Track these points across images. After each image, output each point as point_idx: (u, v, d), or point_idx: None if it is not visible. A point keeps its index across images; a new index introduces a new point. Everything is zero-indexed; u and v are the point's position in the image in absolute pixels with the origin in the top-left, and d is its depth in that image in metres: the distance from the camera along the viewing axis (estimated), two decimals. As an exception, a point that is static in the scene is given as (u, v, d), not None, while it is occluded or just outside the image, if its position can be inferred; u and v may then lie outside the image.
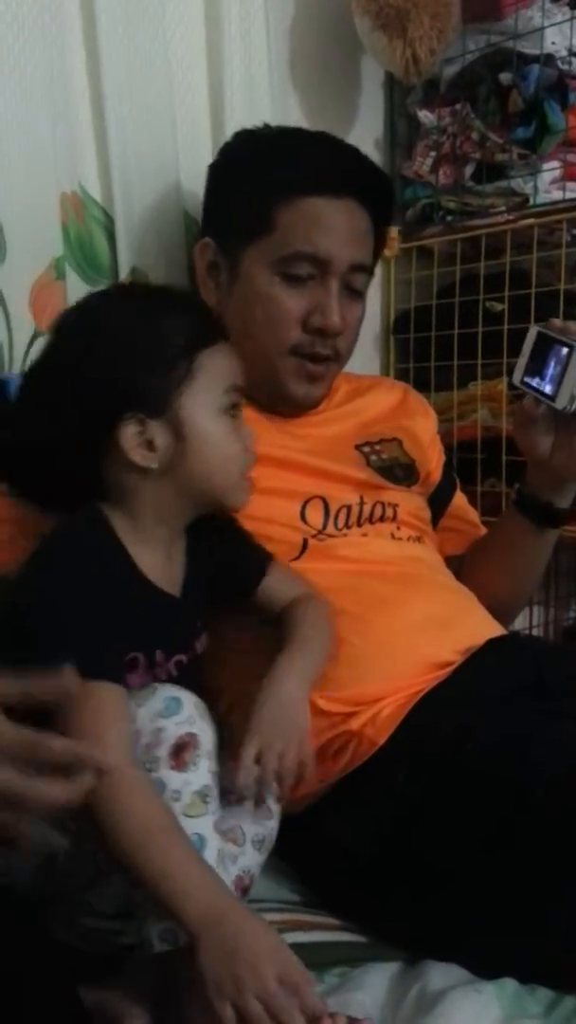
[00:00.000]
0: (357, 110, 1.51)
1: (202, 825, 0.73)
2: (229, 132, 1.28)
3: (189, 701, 0.78)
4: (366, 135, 1.51)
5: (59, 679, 0.63)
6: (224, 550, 0.94)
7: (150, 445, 0.82)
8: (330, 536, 1.05)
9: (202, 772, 0.74)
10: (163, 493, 0.84)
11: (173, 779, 0.73)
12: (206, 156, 1.31)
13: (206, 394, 0.84)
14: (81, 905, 0.79)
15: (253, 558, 0.97)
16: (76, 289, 1.18)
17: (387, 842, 0.89)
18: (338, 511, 1.08)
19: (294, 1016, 0.66)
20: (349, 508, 1.08)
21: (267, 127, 1.15)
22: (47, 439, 0.82)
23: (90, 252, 1.20)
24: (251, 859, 0.83)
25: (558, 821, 0.81)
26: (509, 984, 0.80)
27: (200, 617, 0.91)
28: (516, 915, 0.82)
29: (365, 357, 1.53)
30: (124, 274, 1.21)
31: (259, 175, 1.07)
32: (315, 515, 1.06)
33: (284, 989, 0.67)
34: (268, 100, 1.33)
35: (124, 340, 0.82)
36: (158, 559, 0.86)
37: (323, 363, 1.09)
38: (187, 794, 0.73)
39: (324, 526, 1.06)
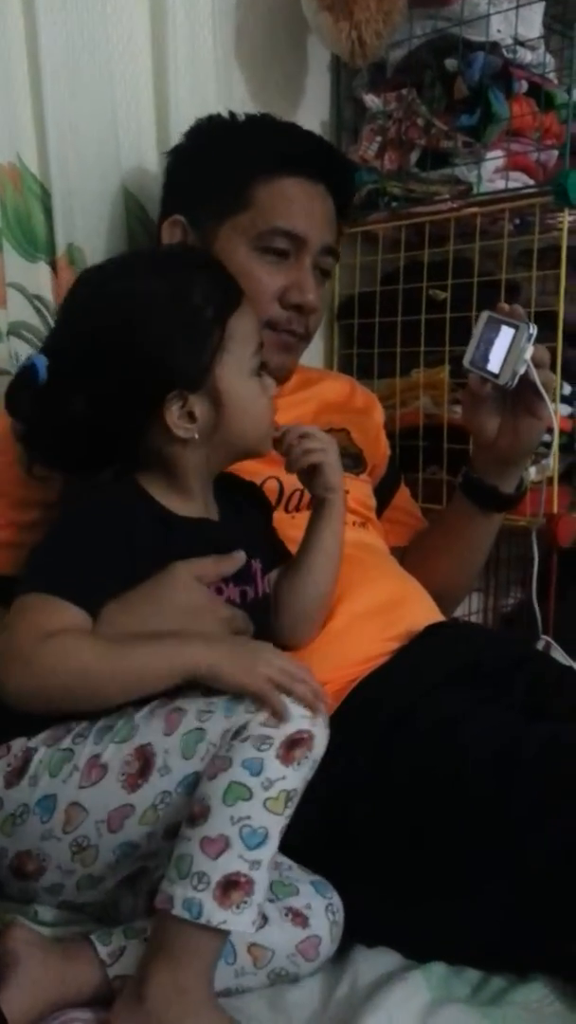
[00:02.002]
0: (303, 92, 1.50)
1: (274, 823, 0.72)
2: (173, 111, 1.28)
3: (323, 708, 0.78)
4: (312, 118, 1.49)
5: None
6: (254, 524, 0.96)
7: (191, 417, 0.84)
8: (279, 520, 1.05)
9: (301, 775, 0.73)
10: (201, 456, 0.87)
11: (273, 767, 0.72)
12: (148, 134, 1.30)
13: (239, 360, 0.86)
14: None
15: (276, 544, 0.99)
16: (13, 263, 1.16)
17: (321, 828, 0.88)
18: (291, 494, 1.09)
19: (308, 677, 0.75)
20: (302, 492, 1.09)
21: (233, 115, 1.15)
22: (87, 419, 0.84)
23: (27, 226, 1.17)
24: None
25: (486, 802, 0.82)
26: (437, 967, 0.81)
27: (254, 550, 0.91)
28: (446, 898, 0.83)
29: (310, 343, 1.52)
30: (61, 250, 1.18)
31: (236, 152, 1.09)
32: (270, 496, 1.07)
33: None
34: (213, 79, 1.31)
35: (159, 318, 0.83)
36: (192, 507, 0.88)
37: (296, 338, 1.12)
38: (277, 788, 0.71)
39: (276, 507, 1.06)
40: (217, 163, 1.10)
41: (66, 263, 1.20)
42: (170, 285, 0.85)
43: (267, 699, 0.73)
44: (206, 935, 0.70)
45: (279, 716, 0.73)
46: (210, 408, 0.85)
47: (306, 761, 0.73)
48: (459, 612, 1.68)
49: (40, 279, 1.19)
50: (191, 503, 0.88)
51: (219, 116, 1.15)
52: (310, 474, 0.94)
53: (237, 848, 0.70)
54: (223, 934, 0.71)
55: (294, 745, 0.72)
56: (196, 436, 0.85)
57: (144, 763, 0.75)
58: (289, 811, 0.73)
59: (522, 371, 1.00)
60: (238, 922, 0.70)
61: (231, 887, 0.70)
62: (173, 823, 0.75)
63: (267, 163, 1.07)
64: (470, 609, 1.75)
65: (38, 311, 1.20)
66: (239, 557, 0.87)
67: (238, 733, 0.73)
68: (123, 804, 0.75)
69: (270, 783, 0.71)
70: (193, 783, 0.74)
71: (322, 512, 0.95)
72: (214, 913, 0.69)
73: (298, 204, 1.08)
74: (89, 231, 1.21)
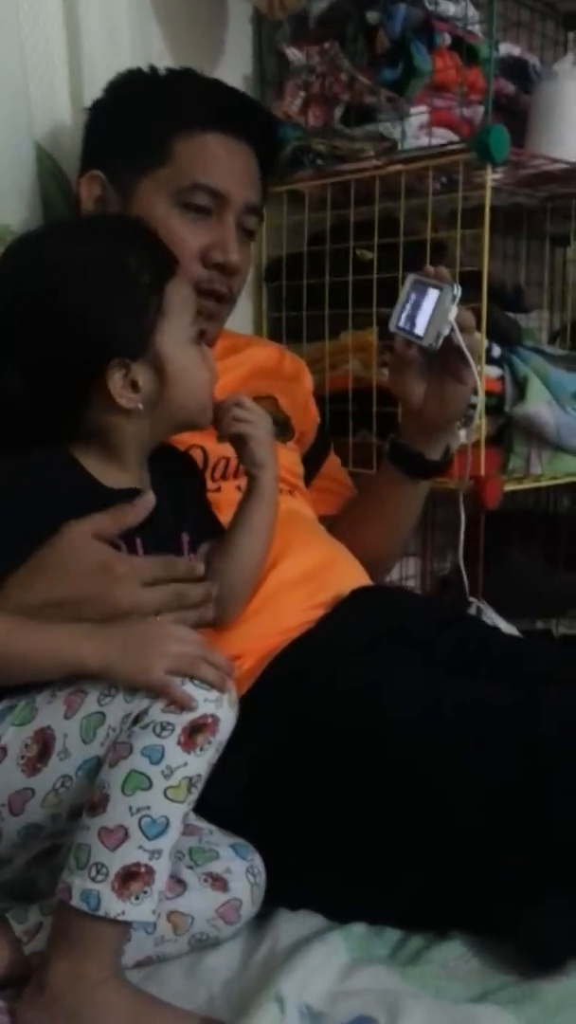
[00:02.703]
0: (224, 45, 1.45)
1: (175, 812, 0.70)
2: (86, 66, 1.23)
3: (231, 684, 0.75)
4: (234, 72, 1.45)
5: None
6: (187, 494, 0.94)
7: (134, 386, 0.82)
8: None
9: (204, 760, 0.71)
10: (142, 427, 0.85)
11: (174, 754, 0.70)
12: (61, 89, 1.25)
13: (178, 327, 0.84)
14: None
15: (209, 517, 0.96)
16: None
17: (246, 793, 0.88)
18: (216, 463, 1.07)
19: (210, 655, 0.73)
20: (228, 461, 1.07)
21: (155, 69, 1.11)
22: (25, 391, 0.81)
23: None
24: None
25: (408, 762, 0.82)
26: (357, 928, 0.81)
27: (182, 522, 0.89)
28: (367, 859, 0.83)
29: (238, 306, 1.47)
30: (-30, 210, 1.14)
31: (157, 106, 1.06)
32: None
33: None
34: (127, 32, 1.26)
35: (96, 284, 0.81)
36: (125, 479, 0.85)
37: (219, 302, 1.09)
38: (178, 776, 0.70)
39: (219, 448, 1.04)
40: (136, 116, 1.07)
41: (-24, 222, 1.15)
42: (105, 251, 0.83)
43: (167, 694, 0.71)
44: (106, 925, 0.69)
45: (183, 706, 0.71)
46: (153, 377, 0.83)
47: (209, 746, 0.72)
48: (395, 576, 1.69)
49: (-54, 238, 1.15)
50: (124, 474, 0.85)
51: (139, 70, 1.11)
52: (239, 447, 0.92)
53: (136, 839, 0.69)
54: (125, 927, 0.70)
55: (197, 730, 0.71)
56: (140, 406, 0.82)
57: (43, 746, 0.73)
58: (192, 796, 0.71)
59: (446, 332, 1.00)
60: (137, 912, 0.69)
61: (130, 878, 0.68)
62: (77, 804, 0.73)
63: (188, 117, 1.04)
64: (406, 573, 1.76)
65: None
66: (144, 503, 0.82)
67: (139, 719, 0.71)
68: (23, 788, 0.74)
69: (171, 771, 0.70)
70: (94, 767, 0.72)
71: (251, 491, 0.93)
72: (112, 904, 0.68)
73: (220, 160, 1.05)
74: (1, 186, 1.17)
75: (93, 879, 0.68)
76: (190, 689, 0.71)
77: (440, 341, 1.00)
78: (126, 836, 0.68)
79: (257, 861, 0.83)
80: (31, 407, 0.82)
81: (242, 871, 0.82)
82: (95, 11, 1.23)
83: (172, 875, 0.79)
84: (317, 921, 0.84)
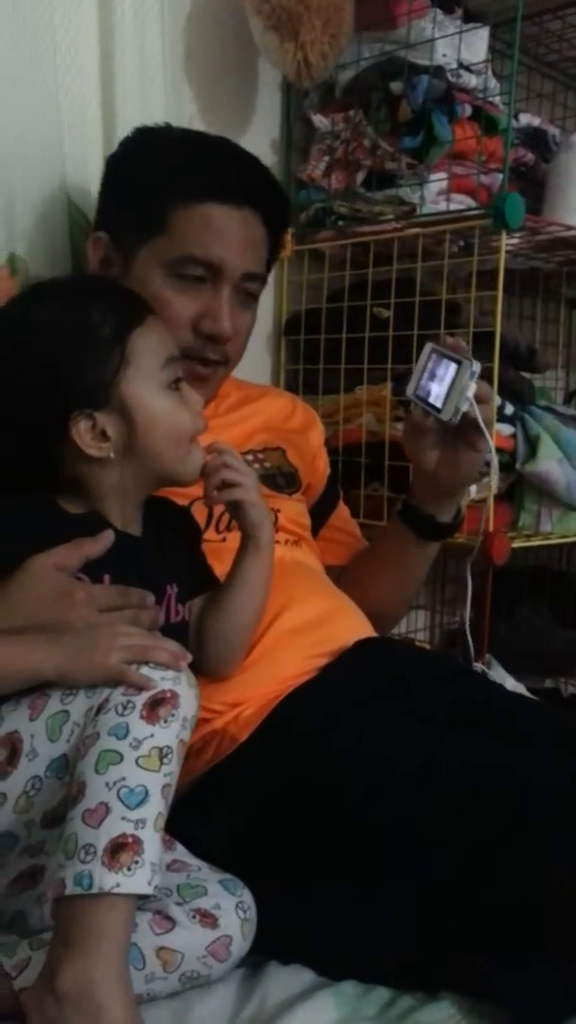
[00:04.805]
0: (254, 110, 1.51)
1: (151, 781, 0.70)
2: (120, 124, 1.27)
3: (186, 667, 0.77)
4: (263, 136, 1.50)
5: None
6: (179, 546, 0.95)
7: (103, 436, 0.84)
8: (209, 541, 1.05)
9: (171, 732, 0.72)
10: (120, 476, 0.86)
11: (139, 727, 0.71)
12: (95, 146, 1.29)
13: (145, 375, 0.86)
14: None
15: (201, 570, 0.98)
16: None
17: (240, 839, 0.89)
18: (220, 515, 1.08)
19: (160, 641, 0.75)
20: None
21: (168, 127, 1.14)
22: (1, 448, 0.85)
23: (-32, 234, 1.17)
24: None
25: (400, 818, 0.82)
26: (347, 987, 0.81)
27: (169, 575, 0.90)
28: (358, 913, 0.83)
29: (257, 357, 1.53)
30: (2, 260, 1.18)
31: (157, 175, 1.07)
32: (199, 519, 1.05)
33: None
34: (161, 93, 1.31)
35: (56, 338, 0.84)
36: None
37: (211, 367, 1.09)
38: (147, 746, 0.70)
39: (206, 528, 1.06)
40: (139, 183, 1.08)
41: (7, 273, 1.19)
42: (65, 308, 0.86)
43: (124, 679, 0.73)
44: (104, 908, 0.68)
45: (141, 687, 0.72)
46: (122, 424, 0.85)
47: (173, 719, 0.72)
48: (403, 629, 1.70)
49: (-20, 288, 1.19)
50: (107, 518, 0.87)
51: (150, 130, 1.13)
52: (232, 510, 0.94)
53: (118, 810, 0.69)
54: (124, 905, 0.69)
55: (158, 704, 0.72)
56: (111, 454, 0.84)
57: (11, 750, 0.75)
58: (168, 768, 0.71)
59: (465, 408, 1.01)
60: (131, 883, 0.68)
61: (119, 849, 0.68)
62: (49, 809, 0.74)
63: (187, 188, 1.04)
64: (416, 626, 1.76)
65: (-23, 319, 1.19)
66: (105, 536, 0.84)
67: (101, 708, 0.72)
68: None
69: (138, 743, 0.70)
70: (62, 765, 0.74)
71: (246, 547, 0.95)
72: (105, 878, 0.67)
73: (217, 231, 1.04)
74: (32, 241, 1.21)
75: (83, 861, 0.68)
76: (146, 671, 0.73)
77: (459, 417, 1.01)
78: (107, 811, 0.69)
79: (247, 896, 0.83)
80: (8, 460, 0.85)
81: (231, 907, 0.82)
82: (130, 72, 1.28)
83: (160, 911, 0.79)
84: (308, 977, 0.83)
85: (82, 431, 0.84)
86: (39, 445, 0.85)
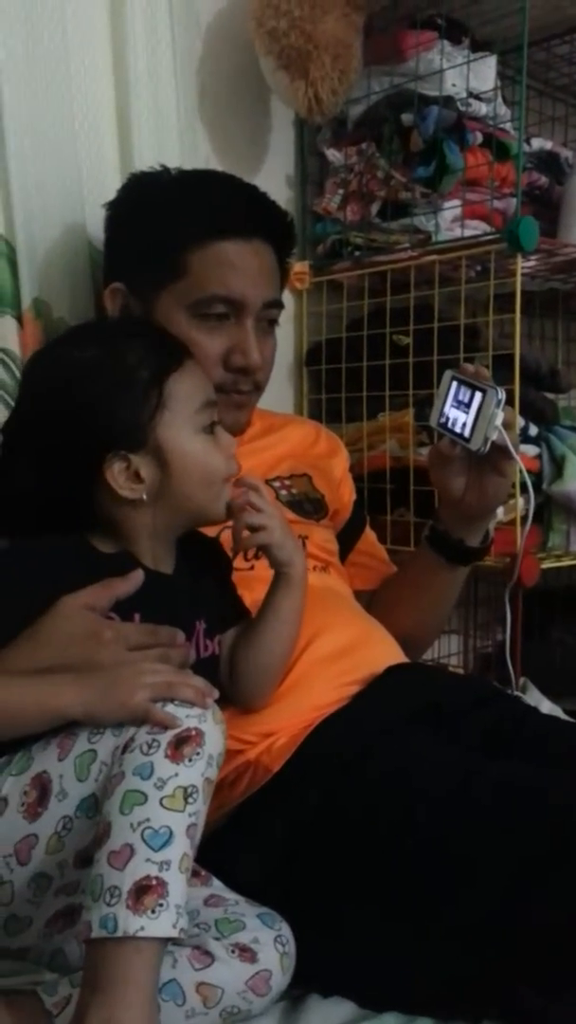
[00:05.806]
0: (268, 147, 1.54)
1: (176, 821, 0.70)
2: (137, 167, 1.30)
3: (212, 703, 0.77)
4: (278, 171, 1.53)
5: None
6: (209, 579, 0.96)
7: (137, 477, 0.86)
8: (238, 569, 1.05)
9: (196, 771, 0.72)
10: (152, 517, 0.88)
11: (163, 766, 0.71)
12: (113, 190, 1.33)
13: (181, 418, 0.87)
14: None
15: (231, 603, 0.99)
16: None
17: (277, 870, 0.89)
18: None
19: (190, 678, 0.76)
20: None
21: (164, 170, 1.15)
22: (38, 487, 0.86)
23: (-7, 281, 1.20)
24: None
25: (438, 842, 0.82)
26: (390, 1018, 0.80)
27: (198, 609, 0.91)
28: (397, 940, 0.82)
29: (279, 388, 1.55)
30: (26, 304, 1.21)
31: (166, 221, 1.08)
32: (226, 547, 1.06)
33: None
34: (176, 136, 1.34)
35: (95, 380, 0.85)
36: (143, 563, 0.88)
37: (245, 395, 1.12)
38: (171, 785, 0.70)
39: (233, 557, 1.06)
40: (150, 232, 1.10)
41: (32, 317, 1.22)
42: (104, 351, 0.87)
43: (150, 718, 0.73)
44: (130, 952, 0.67)
45: (166, 726, 0.72)
46: (156, 467, 0.86)
47: (199, 757, 0.72)
48: (436, 654, 1.69)
49: (6, 333, 1.22)
50: (142, 563, 0.88)
51: (143, 175, 1.15)
52: (262, 551, 0.95)
53: (142, 852, 0.69)
54: (150, 949, 0.68)
55: (182, 743, 0.72)
56: (144, 496, 0.86)
57: (41, 790, 0.75)
58: (193, 807, 0.71)
59: (494, 437, 1.00)
60: (156, 927, 0.67)
61: (143, 892, 0.68)
62: (81, 848, 0.74)
63: (199, 230, 1.06)
64: (448, 651, 1.75)
65: (4, 364, 1.22)
66: (135, 576, 0.85)
67: (127, 747, 0.73)
68: (27, 835, 0.75)
69: (163, 782, 0.70)
70: (92, 805, 0.74)
71: (278, 584, 0.95)
72: (129, 921, 0.67)
73: (233, 268, 1.05)
74: (54, 285, 1.23)
75: (108, 904, 0.68)
76: (171, 709, 0.73)
77: (488, 446, 1.01)
78: (132, 852, 0.69)
79: (285, 930, 0.83)
80: (44, 500, 0.87)
81: (270, 940, 0.81)
82: (146, 115, 1.30)
83: (199, 947, 0.79)
84: (349, 1009, 0.83)
85: (116, 472, 0.85)
86: (74, 485, 0.86)
